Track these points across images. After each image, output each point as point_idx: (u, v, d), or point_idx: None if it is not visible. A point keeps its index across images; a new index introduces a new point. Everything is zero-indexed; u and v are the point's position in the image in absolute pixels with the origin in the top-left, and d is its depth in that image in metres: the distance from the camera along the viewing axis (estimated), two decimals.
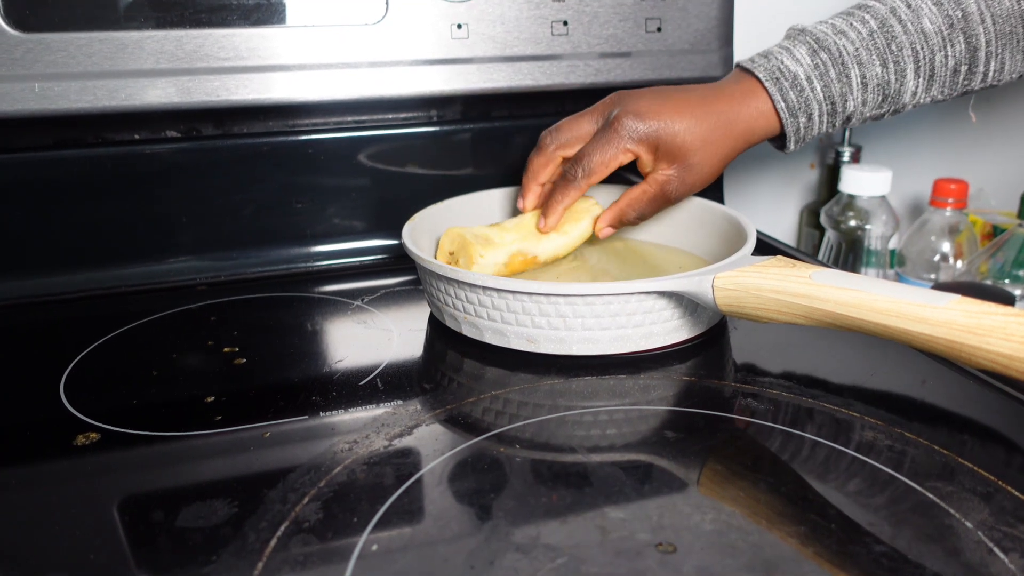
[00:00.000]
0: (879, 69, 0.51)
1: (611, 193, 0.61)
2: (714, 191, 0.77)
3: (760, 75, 0.51)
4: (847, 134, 0.88)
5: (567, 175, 0.53)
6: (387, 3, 0.60)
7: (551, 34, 0.64)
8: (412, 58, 0.61)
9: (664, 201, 0.52)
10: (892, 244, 0.83)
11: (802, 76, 0.51)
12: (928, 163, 0.95)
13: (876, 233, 0.81)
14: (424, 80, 0.62)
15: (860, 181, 0.79)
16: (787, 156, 0.92)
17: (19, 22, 0.53)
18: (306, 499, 0.33)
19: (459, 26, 0.62)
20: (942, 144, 0.96)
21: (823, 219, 0.84)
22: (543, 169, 0.55)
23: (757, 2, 0.80)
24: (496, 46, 0.63)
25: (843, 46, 0.51)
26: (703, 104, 0.51)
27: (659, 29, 0.67)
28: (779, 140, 0.54)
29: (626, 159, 0.51)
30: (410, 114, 0.67)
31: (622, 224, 0.54)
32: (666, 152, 0.50)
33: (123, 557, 0.30)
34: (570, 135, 0.53)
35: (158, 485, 0.35)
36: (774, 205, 0.95)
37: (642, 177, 0.53)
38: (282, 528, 0.31)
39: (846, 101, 0.51)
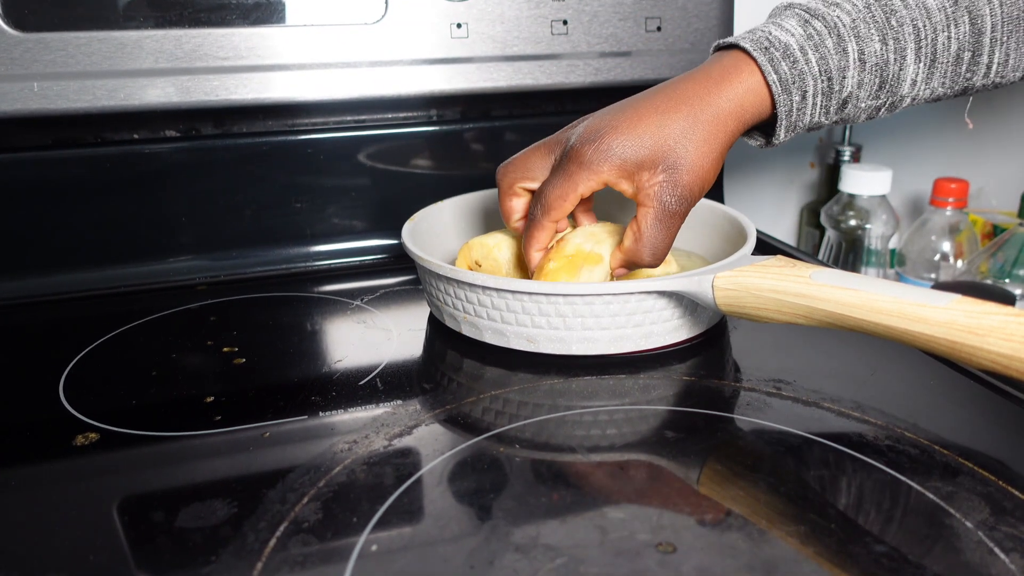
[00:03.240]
0: (878, 45, 0.45)
1: None
2: (714, 191, 0.77)
3: (746, 46, 0.44)
4: (847, 133, 0.88)
5: (529, 214, 0.47)
6: (386, 2, 0.60)
7: (551, 33, 0.64)
8: (412, 57, 0.61)
9: (669, 215, 0.44)
10: (892, 243, 0.83)
11: (795, 46, 0.44)
12: (928, 162, 0.95)
13: (876, 232, 0.81)
14: (424, 79, 0.62)
15: (860, 180, 0.79)
16: (787, 155, 0.92)
17: (18, 22, 0.53)
18: (305, 499, 0.33)
19: (459, 25, 0.62)
20: (942, 143, 0.96)
21: (823, 218, 0.84)
22: (514, 210, 0.49)
23: (757, 2, 0.80)
24: (496, 45, 0.63)
25: (838, 16, 0.45)
26: (671, 98, 0.45)
27: (659, 28, 0.67)
28: (766, 129, 0.48)
29: (587, 190, 0.45)
30: (410, 114, 0.67)
31: (637, 266, 0.46)
32: (638, 164, 0.43)
33: (122, 557, 0.30)
34: (523, 168, 0.48)
35: (157, 485, 0.35)
36: (774, 205, 0.95)
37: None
38: (281, 528, 0.31)
39: (843, 78, 0.45)
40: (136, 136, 0.61)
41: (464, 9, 0.61)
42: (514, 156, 0.49)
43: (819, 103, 0.46)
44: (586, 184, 0.44)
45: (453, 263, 0.52)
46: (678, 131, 0.44)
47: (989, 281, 0.72)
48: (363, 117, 0.65)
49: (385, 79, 0.61)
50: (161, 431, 0.39)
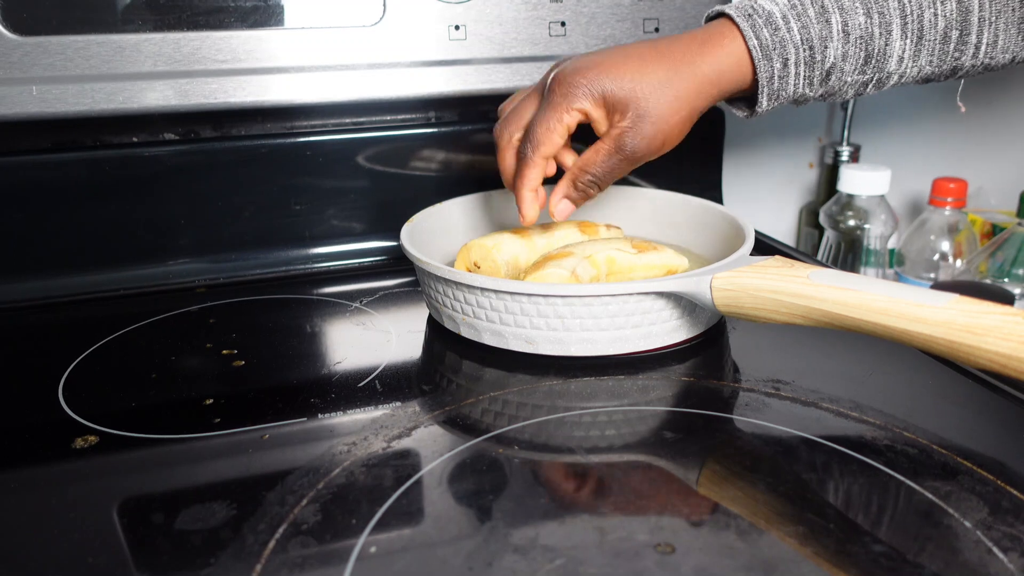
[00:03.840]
0: (862, 18, 0.46)
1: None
2: (713, 191, 0.77)
3: (731, 12, 0.47)
4: (846, 133, 0.88)
5: (519, 154, 0.49)
6: (385, 5, 0.60)
7: (549, 35, 0.64)
8: (410, 59, 0.61)
9: (621, 157, 0.47)
10: (891, 243, 0.83)
11: (777, 15, 0.46)
12: (927, 162, 0.95)
13: (875, 232, 0.81)
14: (422, 81, 0.62)
15: (859, 180, 0.79)
16: (786, 156, 0.92)
17: (17, 25, 0.53)
18: (305, 501, 0.33)
19: (457, 27, 0.62)
20: (941, 143, 0.96)
21: (822, 219, 0.84)
22: (513, 166, 0.50)
23: None
24: (494, 47, 0.63)
25: None
26: (656, 51, 0.46)
27: (657, 29, 0.67)
28: (749, 98, 0.49)
29: (572, 120, 0.46)
30: (408, 115, 0.67)
31: (579, 192, 0.49)
32: (616, 102, 0.45)
33: (122, 560, 0.30)
34: (517, 119, 0.49)
35: (157, 487, 0.35)
36: (773, 205, 0.95)
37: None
38: (280, 530, 0.31)
39: (826, 48, 0.46)
40: (135, 139, 0.61)
41: (462, 11, 0.62)
42: (508, 110, 0.50)
43: (802, 72, 0.47)
44: (570, 116, 0.46)
45: (452, 265, 0.52)
46: (654, 82, 0.45)
47: (988, 281, 0.72)
48: (362, 119, 0.66)
49: (383, 81, 0.61)
50: (160, 433, 0.39)
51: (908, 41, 0.47)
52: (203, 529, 0.32)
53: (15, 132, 0.57)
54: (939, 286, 0.58)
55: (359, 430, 0.39)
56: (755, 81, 0.47)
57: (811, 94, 0.49)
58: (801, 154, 0.94)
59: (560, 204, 0.50)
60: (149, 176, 0.60)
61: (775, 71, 0.46)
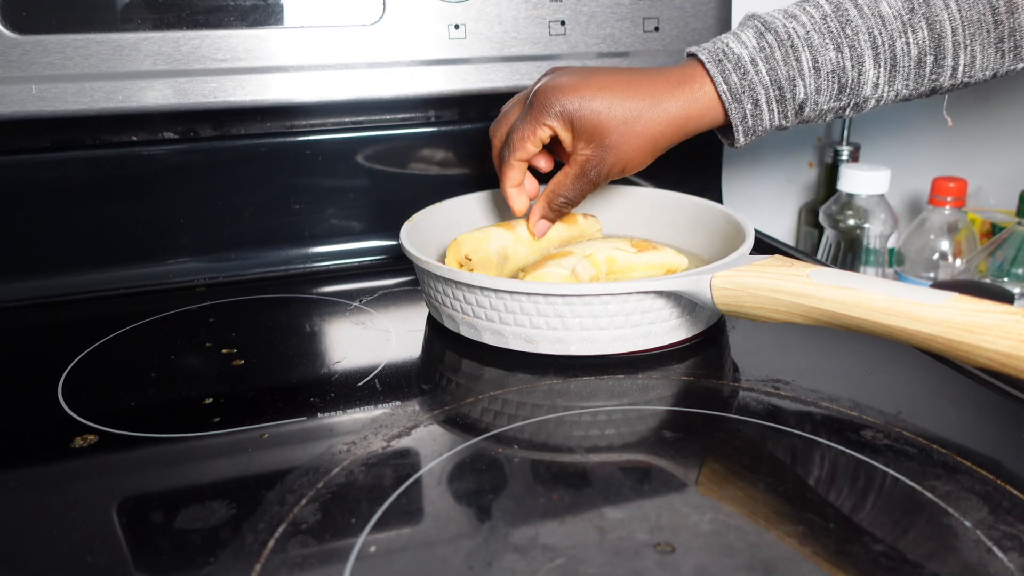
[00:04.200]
0: (833, 54, 0.48)
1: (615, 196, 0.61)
2: (713, 191, 0.77)
3: (703, 57, 0.49)
4: (845, 133, 0.88)
5: (500, 156, 0.53)
6: (384, 4, 0.60)
7: (549, 34, 0.64)
8: (410, 59, 0.61)
9: (586, 182, 0.51)
10: (891, 243, 0.83)
11: (746, 58, 0.48)
12: (927, 161, 0.95)
13: (875, 232, 0.81)
14: (422, 80, 0.62)
15: (859, 180, 0.79)
16: (786, 155, 0.92)
17: (16, 24, 0.53)
18: (304, 500, 0.33)
19: (456, 26, 0.62)
20: (941, 142, 0.96)
21: (822, 218, 0.84)
22: (509, 175, 0.53)
23: (754, 2, 0.80)
24: (494, 46, 0.63)
25: (793, 28, 0.48)
26: (631, 85, 0.49)
27: (656, 29, 0.67)
28: (727, 132, 0.52)
29: (544, 134, 0.50)
30: (408, 115, 0.67)
31: (554, 210, 0.53)
32: (582, 130, 0.49)
33: (121, 559, 0.30)
34: (505, 122, 0.53)
35: (156, 487, 0.35)
36: (773, 204, 0.95)
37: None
38: (280, 529, 0.31)
39: (795, 86, 0.48)
40: (134, 138, 0.61)
41: (462, 10, 0.62)
42: (503, 111, 0.54)
43: (775, 109, 0.49)
44: (543, 129, 0.50)
45: (443, 261, 0.52)
46: (620, 117, 0.48)
47: (988, 280, 0.72)
48: (361, 118, 0.65)
49: (383, 80, 0.61)
50: (160, 433, 0.39)
51: (882, 69, 0.49)
52: (203, 528, 0.32)
53: (14, 131, 0.57)
54: (939, 285, 0.58)
55: (359, 429, 0.39)
56: (728, 122, 0.50)
57: (788, 124, 0.51)
58: (801, 153, 0.94)
59: (539, 224, 0.54)
60: (148, 175, 0.60)
61: (747, 111, 0.49)
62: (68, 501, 0.34)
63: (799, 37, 0.48)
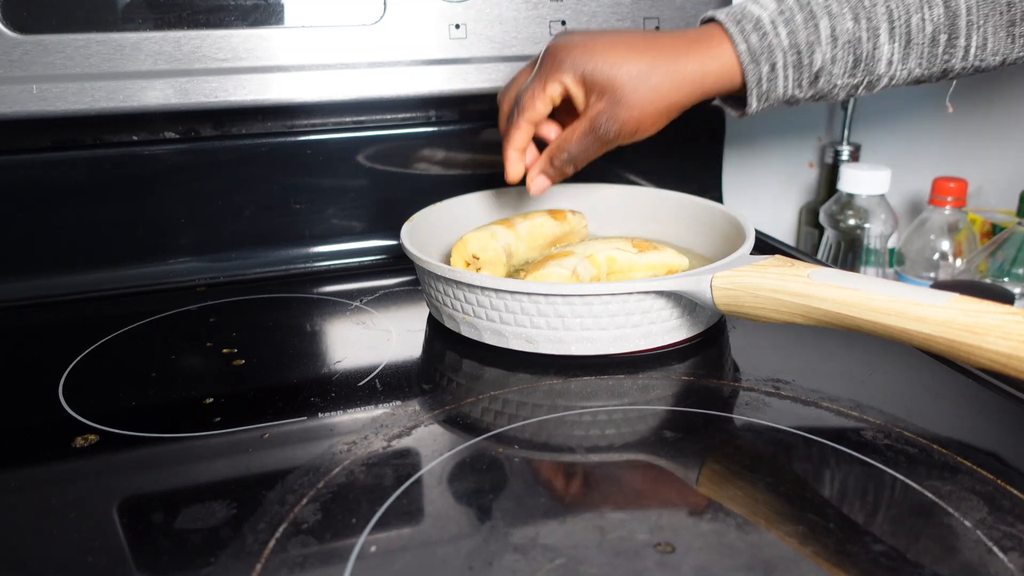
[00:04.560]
0: (850, 23, 0.47)
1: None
2: (713, 191, 0.77)
3: (721, 18, 0.48)
4: (846, 132, 0.88)
5: (508, 117, 0.52)
6: (385, 3, 0.60)
7: (549, 34, 0.64)
8: (410, 58, 0.61)
9: (594, 139, 0.49)
10: (891, 243, 0.83)
11: (766, 20, 0.47)
12: (927, 161, 0.95)
13: (875, 232, 0.81)
14: (422, 80, 0.62)
15: (859, 180, 0.79)
16: (786, 155, 0.92)
17: (17, 24, 0.53)
18: (305, 500, 0.33)
19: (457, 26, 0.62)
20: (941, 142, 0.96)
21: (822, 218, 0.84)
22: (515, 136, 0.52)
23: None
24: (494, 46, 0.63)
25: None
26: (646, 42, 0.48)
27: (657, 27, 0.67)
28: (738, 99, 0.51)
29: (555, 91, 0.49)
30: (408, 114, 0.67)
31: (556, 168, 0.51)
32: (593, 84, 0.47)
33: (122, 559, 0.30)
34: (515, 86, 0.52)
35: (157, 487, 0.35)
36: (773, 204, 0.95)
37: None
38: (280, 529, 0.31)
39: (813, 52, 0.48)
40: (135, 138, 0.61)
41: (462, 10, 0.62)
42: (510, 80, 0.54)
43: (790, 75, 0.48)
44: (555, 86, 0.49)
45: (448, 262, 0.52)
46: (635, 71, 0.47)
47: (988, 280, 0.72)
48: (362, 118, 0.65)
49: (384, 80, 0.61)
50: (160, 432, 0.39)
51: (896, 45, 0.48)
52: (203, 528, 0.32)
53: (15, 131, 0.57)
54: (939, 285, 0.58)
55: (359, 429, 0.39)
56: (744, 84, 0.48)
57: (801, 95, 0.50)
58: (801, 153, 0.93)
59: (537, 179, 0.52)
60: (149, 175, 0.60)
61: (763, 74, 0.48)
62: (69, 501, 0.34)
63: (818, 4, 0.47)
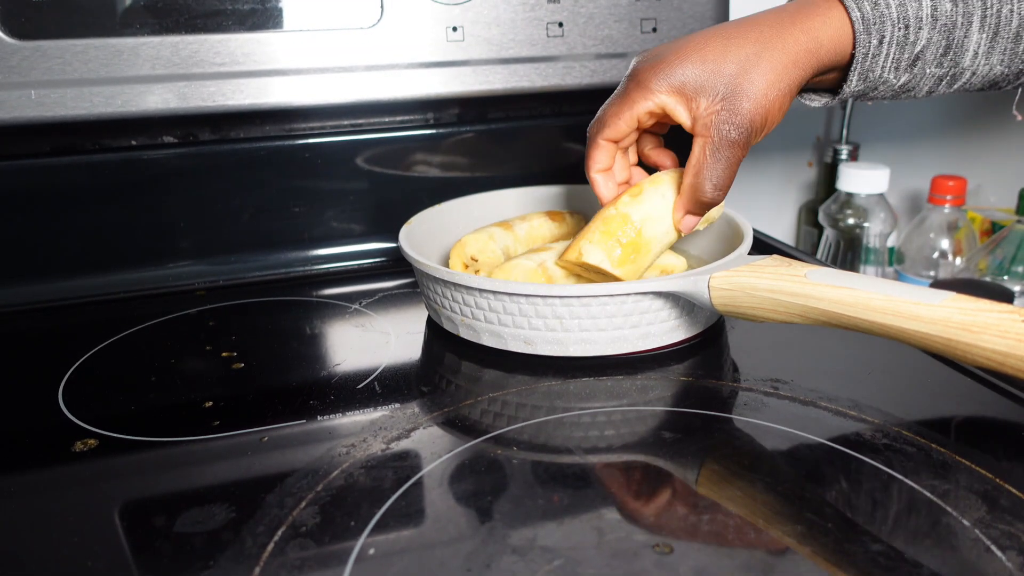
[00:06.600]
0: (948, 4, 0.44)
1: None
2: None
3: None
4: (844, 132, 0.88)
5: (588, 136, 0.48)
6: (382, 7, 0.60)
7: (546, 36, 0.64)
8: (408, 61, 0.62)
9: (727, 147, 0.43)
10: (891, 242, 0.83)
11: None
12: (926, 160, 0.95)
13: (875, 231, 0.81)
14: (420, 83, 0.62)
15: (858, 179, 0.79)
16: (785, 154, 0.92)
17: (16, 30, 0.53)
18: (304, 503, 0.33)
19: (454, 29, 0.62)
20: (940, 141, 0.96)
21: (821, 217, 0.84)
22: (595, 160, 0.48)
23: (753, 2, 0.80)
24: (491, 48, 0.63)
25: None
26: (740, 27, 0.43)
27: (654, 29, 0.67)
28: (836, 79, 0.46)
29: (642, 109, 0.44)
30: (406, 117, 0.67)
31: (701, 203, 0.46)
32: (697, 88, 0.42)
33: (122, 562, 0.30)
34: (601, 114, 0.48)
35: (156, 490, 0.35)
36: (772, 204, 0.95)
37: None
38: (279, 532, 0.31)
39: (919, 30, 0.43)
40: (134, 142, 0.61)
41: (459, 12, 0.62)
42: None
43: (892, 53, 0.44)
44: (641, 104, 0.44)
45: (447, 265, 0.52)
46: (743, 56, 0.42)
47: (988, 278, 0.72)
48: (360, 121, 0.66)
49: (381, 83, 0.61)
50: (160, 436, 0.39)
51: (985, 35, 0.45)
52: (202, 531, 0.32)
53: (14, 136, 0.57)
54: (938, 284, 0.58)
55: (358, 432, 0.39)
56: (850, 57, 0.44)
57: (893, 80, 0.46)
58: (800, 153, 0.94)
59: (685, 220, 0.47)
60: (148, 179, 0.60)
61: (871, 47, 0.43)
62: (68, 505, 0.34)
63: None
